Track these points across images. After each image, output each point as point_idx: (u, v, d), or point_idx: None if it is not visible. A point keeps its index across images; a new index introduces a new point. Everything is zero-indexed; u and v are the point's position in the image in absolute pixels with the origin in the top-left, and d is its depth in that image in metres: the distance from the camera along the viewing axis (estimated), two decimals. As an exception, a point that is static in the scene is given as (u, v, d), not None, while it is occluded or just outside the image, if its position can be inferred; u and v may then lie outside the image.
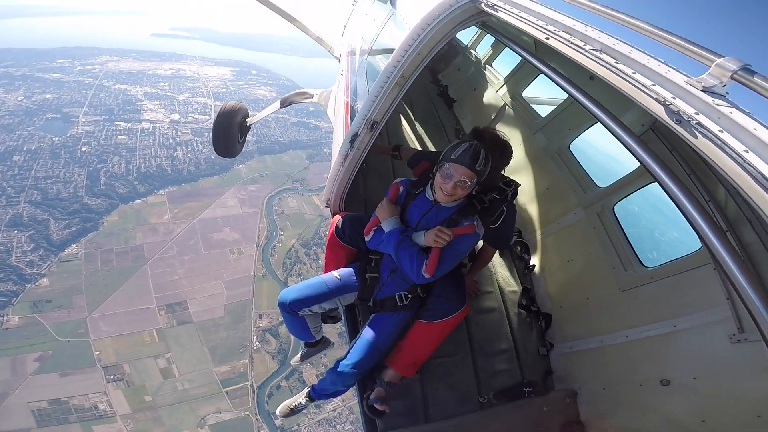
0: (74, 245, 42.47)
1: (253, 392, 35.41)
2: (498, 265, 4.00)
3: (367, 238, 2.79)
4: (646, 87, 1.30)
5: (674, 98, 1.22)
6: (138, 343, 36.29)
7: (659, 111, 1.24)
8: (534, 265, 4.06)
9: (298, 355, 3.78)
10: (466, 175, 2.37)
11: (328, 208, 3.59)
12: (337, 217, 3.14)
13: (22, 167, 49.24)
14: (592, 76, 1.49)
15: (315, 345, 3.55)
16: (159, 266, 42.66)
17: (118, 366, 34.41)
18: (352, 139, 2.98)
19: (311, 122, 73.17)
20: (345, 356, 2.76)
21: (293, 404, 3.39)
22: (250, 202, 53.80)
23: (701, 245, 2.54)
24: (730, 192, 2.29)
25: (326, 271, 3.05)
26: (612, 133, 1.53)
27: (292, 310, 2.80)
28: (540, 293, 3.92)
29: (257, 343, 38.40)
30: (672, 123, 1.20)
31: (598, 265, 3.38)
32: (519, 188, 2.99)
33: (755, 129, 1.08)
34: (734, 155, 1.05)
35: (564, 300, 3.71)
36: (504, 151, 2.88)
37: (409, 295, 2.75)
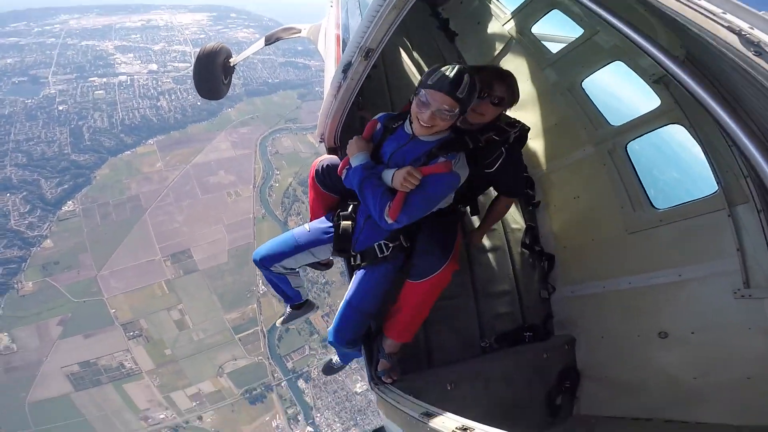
0: (70, 202, 42.64)
1: (264, 337, 37.71)
2: None
3: (343, 177, 2.54)
4: (714, 14, 1.13)
5: (752, 28, 1.07)
6: (149, 296, 37.89)
7: (732, 41, 1.08)
8: (539, 201, 3.94)
9: (281, 318, 3.41)
10: (446, 102, 2.09)
11: (323, 144, 3.38)
12: (317, 161, 2.87)
13: (-1, 133, 47.83)
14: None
15: (298, 308, 3.24)
16: (158, 215, 43.11)
17: (134, 322, 36.28)
18: (345, 69, 2.70)
19: (300, 61, 69.89)
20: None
21: (330, 363, 3.37)
22: (242, 144, 53.06)
23: (717, 189, 2.41)
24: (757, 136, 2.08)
25: (312, 218, 2.87)
26: (652, 58, 1.38)
27: (264, 266, 2.70)
28: (544, 232, 3.83)
29: (263, 286, 39.69)
30: (749, 54, 1.05)
31: (606, 203, 3.26)
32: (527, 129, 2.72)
33: None
34: None
35: (568, 240, 3.64)
36: (506, 84, 2.54)
37: (390, 244, 2.49)
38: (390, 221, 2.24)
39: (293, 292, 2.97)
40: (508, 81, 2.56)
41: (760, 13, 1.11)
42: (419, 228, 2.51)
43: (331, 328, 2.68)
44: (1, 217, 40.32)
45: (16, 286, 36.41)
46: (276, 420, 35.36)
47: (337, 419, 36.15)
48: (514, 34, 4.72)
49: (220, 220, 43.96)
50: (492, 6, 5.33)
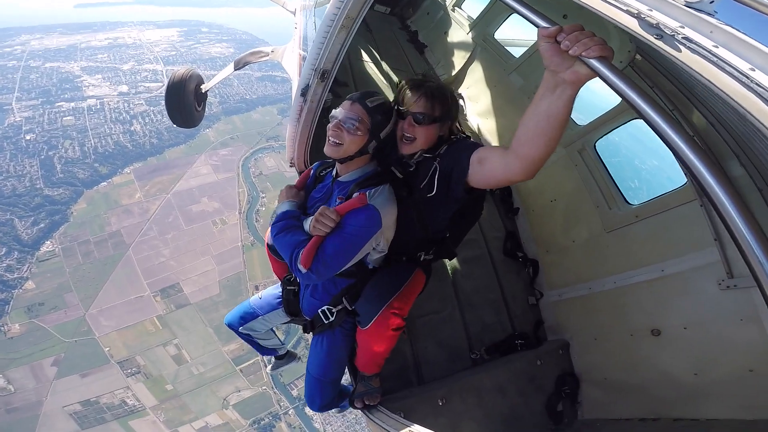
0: (48, 242, 42.02)
1: (265, 366, 37.22)
2: None
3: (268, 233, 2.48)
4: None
5: (651, 10, 1.06)
6: (143, 333, 37.53)
7: (633, 25, 1.07)
8: (518, 208, 4.06)
9: (270, 365, 3.80)
10: (354, 110, 2.01)
11: (294, 168, 3.47)
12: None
13: (-36, 168, 47.16)
14: (566, 15, 1.25)
15: (281, 358, 3.56)
16: (142, 250, 42.66)
17: (131, 359, 36.00)
18: (304, 92, 2.84)
19: (278, 75, 69.68)
20: None
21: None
22: (224, 167, 52.73)
23: (687, 181, 2.50)
24: (714, 126, 2.16)
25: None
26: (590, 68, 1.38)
27: (233, 330, 2.92)
28: (525, 238, 3.95)
29: (259, 315, 39.57)
30: (651, 38, 1.03)
31: (583, 204, 3.35)
32: (471, 137, 2.33)
33: (759, 46, 0.94)
34: (737, 74, 0.90)
35: (550, 244, 3.73)
36: (420, 95, 2.09)
37: (333, 309, 2.38)
38: (303, 270, 1.95)
39: (266, 351, 3.24)
40: (425, 92, 2.09)
41: None
42: (365, 283, 2.38)
43: (305, 396, 2.80)
44: (-24, 262, 39.77)
45: (2, 328, 36.06)
46: (288, 449, 35.16)
47: (348, 445, 35.98)
48: (478, 41, 4.91)
49: (207, 250, 43.61)
50: (456, 15, 5.52)
